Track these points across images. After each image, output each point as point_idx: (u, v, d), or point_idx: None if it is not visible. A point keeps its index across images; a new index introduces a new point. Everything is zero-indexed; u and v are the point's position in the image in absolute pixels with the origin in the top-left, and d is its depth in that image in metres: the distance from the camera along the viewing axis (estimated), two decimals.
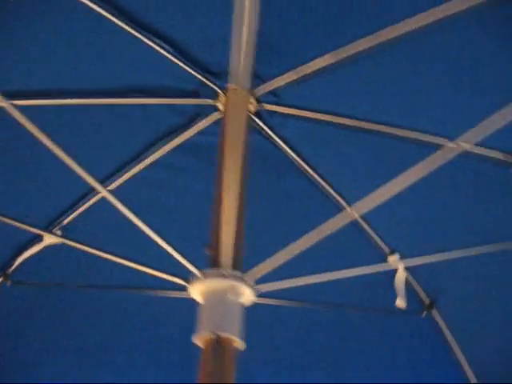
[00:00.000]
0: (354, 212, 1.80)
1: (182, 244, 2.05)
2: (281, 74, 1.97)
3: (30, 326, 2.65)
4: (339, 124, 2.05)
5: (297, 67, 1.93)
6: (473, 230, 2.29)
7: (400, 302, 2.52)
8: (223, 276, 1.61)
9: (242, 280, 1.62)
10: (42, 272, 2.55)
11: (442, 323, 2.68)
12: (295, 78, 1.96)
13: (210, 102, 2.07)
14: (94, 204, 2.38)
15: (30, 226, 2.21)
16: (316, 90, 1.98)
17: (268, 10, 1.76)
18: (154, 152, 2.23)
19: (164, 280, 1.99)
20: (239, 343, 1.56)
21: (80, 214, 2.41)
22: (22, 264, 2.50)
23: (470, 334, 2.62)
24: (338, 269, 2.00)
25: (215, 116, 2.13)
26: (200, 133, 2.19)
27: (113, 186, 2.25)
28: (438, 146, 1.97)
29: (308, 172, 2.28)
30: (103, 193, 1.66)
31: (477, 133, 1.45)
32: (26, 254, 2.46)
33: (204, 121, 2.16)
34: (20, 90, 1.83)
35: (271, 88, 2.02)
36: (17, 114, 1.47)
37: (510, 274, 2.42)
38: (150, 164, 2.26)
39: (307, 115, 2.06)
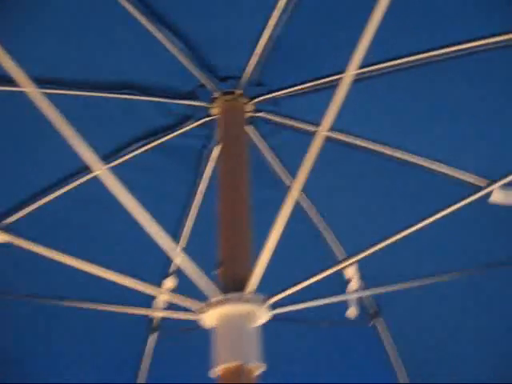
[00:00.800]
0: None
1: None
2: (287, 85, 1.89)
3: None
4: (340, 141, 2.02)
5: (305, 82, 1.87)
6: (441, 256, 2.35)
7: (351, 312, 2.57)
8: (245, 301, 1.51)
9: (262, 305, 1.54)
10: None
11: (384, 333, 2.74)
12: (300, 90, 1.89)
13: (204, 104, 1.94)
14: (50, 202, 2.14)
15: None
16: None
17: (293, 21, 1.68)
18: (131, 151, 2.05)
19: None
20: (261, 368, 1.48)
21: (30, 213, 2.15)
22: None
23: (412, 346, 2.69)
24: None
25: (204, 119, 2.00)
26: (183, 134, 2.05)
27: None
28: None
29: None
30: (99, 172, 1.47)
31: None
32: None
33: (191, 123, 2.02)
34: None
35: (272, 96, 1.93)
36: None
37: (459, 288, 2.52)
38: (124, 162, 2.07)
39: (303, 127, 2.00)
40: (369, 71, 1.78)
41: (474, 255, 2.32)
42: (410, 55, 1.77)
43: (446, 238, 2.34)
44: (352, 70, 1.37)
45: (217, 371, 1.46)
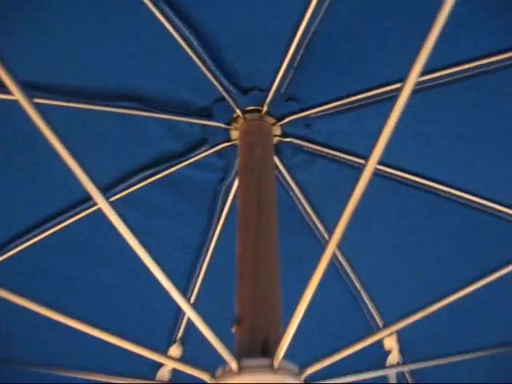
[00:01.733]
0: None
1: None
2: (323, 102, 1.54)
3: None
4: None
5: (345, 97, 1.52)
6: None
7: None
8: (274, 370, 1.09)
9: (296, 377, 1.12)
10: None
11: None
12: (340, 107, 1.54)
13: (221, 125, 1.59)
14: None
15: None
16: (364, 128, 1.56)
17: (331, 18, 1.35)
18: (131, 184, 1.68)
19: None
20: None
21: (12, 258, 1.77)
22: None
23: None
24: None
25: (222, 145, 1.65)
26: (195, 164, 1.68)
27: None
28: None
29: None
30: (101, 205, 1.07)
31: None
32: None
33: (206, 149, 1.66)
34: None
35: (305, 115, 1.58)
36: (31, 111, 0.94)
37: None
38: (121, 198, 1.70)
39: (344, 157, 1.64)
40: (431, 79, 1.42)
41: None
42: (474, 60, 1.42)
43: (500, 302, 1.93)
44: (413, 79, 0.96)
45: None
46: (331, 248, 1.06)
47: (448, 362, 1.87)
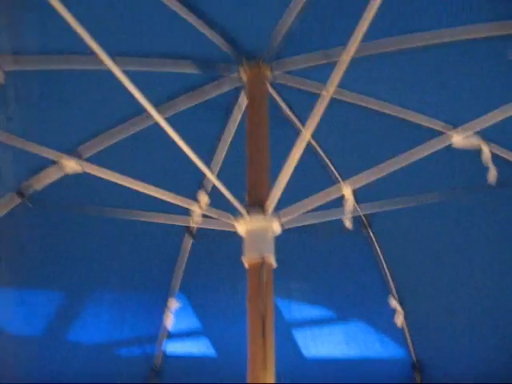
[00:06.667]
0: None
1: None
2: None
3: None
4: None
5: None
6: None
7: (348, 223, 3.26)
8: (266, 216, 2.25)
9: (278, 219, 2.28)
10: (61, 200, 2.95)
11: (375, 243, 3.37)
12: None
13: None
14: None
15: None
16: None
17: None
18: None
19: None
20: (274, 262, 2.24)
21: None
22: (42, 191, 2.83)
23: (400, 259, 3.39)
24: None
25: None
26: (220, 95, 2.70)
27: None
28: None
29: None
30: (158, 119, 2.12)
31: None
32: (43, 176, 2.78)
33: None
34: None
35: (289, 64, 2.57)
36: None
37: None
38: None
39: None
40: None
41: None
42: None
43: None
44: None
45: (246, 263, 2.22)
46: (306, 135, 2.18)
47: None
